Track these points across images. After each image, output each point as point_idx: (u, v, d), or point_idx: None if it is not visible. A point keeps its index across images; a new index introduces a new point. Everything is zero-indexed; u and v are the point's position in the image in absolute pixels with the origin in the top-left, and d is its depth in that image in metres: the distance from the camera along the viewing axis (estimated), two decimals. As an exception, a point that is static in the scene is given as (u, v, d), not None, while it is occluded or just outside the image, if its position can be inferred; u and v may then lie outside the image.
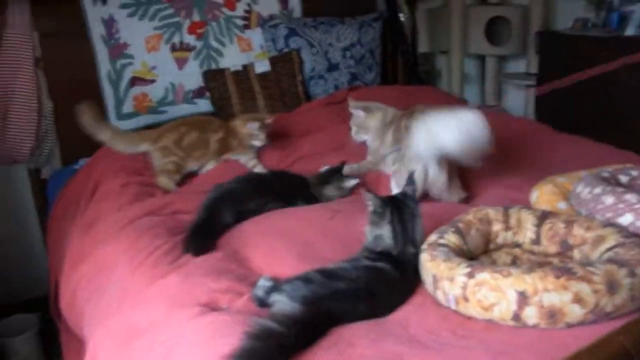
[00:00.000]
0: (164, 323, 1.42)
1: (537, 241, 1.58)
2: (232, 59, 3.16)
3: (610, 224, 1.49)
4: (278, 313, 1.30)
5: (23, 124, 2.72)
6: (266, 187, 2.07)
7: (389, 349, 1.20)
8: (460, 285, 1.31)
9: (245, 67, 3.10)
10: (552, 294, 1.22)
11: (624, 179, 1.76)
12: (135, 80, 2.96)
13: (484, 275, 1.28)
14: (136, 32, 2.94)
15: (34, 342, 2.71)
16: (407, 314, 1.36)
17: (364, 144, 2.44)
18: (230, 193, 1.99)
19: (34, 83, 2.73)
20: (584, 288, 1.22)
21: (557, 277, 1.23)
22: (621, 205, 1.53)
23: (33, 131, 2.73)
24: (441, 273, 1.35)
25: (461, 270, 1.32)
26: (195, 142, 2.46)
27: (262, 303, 1.41)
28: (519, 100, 3.83)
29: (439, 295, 1.37)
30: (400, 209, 1.53)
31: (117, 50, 2.91)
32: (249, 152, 2.52)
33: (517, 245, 1.62)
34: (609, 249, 1.40)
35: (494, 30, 3.75)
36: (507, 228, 1.62)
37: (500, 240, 1.62)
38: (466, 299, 1.30)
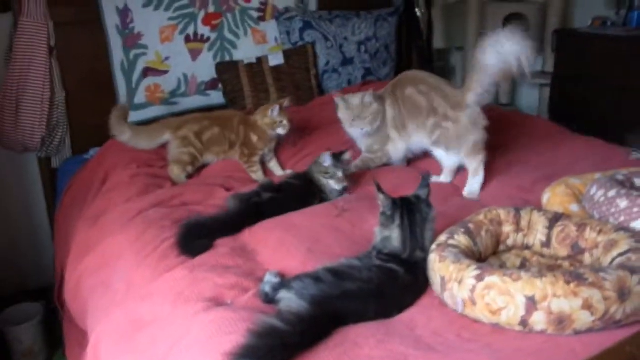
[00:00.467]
0: (168, 318, 1.42)
1: (547, 244, 1.56)
2: (246, 51, 3.15)
3: (623, 228, 1.47)
4: (284, 311, 1.29)
5: (35, 112, 2.72)
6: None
7: (394, 349, 1.19)
8: (469, 288, 1.29)
9: (259, 59, 3.09)
10: (561, 300, 1.20)
11: (638, 182, 1.73)
12: (148, 71, 2.95)
13: (493, 279, 1.26)
14: (151, 22, 2.93)
15: (37, 331, 2.71)
16: (413, 315, 1.35)
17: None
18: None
19: (47, 72, 2.73)
20: (595, 295, 1.20)
21: (568, 283, 1.21)
22: (636, 209, 1.50)
23: (45, 120, 2.74)
24: (450, 275, 1.34)
25: (470, 272, 1.30)
26: (216, 137, 2.46)
27: (269, 299, 1.40)
28: (532, 99, 3.78)
29: (447, 297, 1.36)
30: (411, 212, 1.50)
31: (131, 40, 2.91)
32: (267, 150, 2.48)
33: (527, 247, 1.60)
34: (621, 254, 1.37)
35: (510, 27, 3.70)
36: (518, 230, 1.59)
37: (510, 241, 1.60)
38: (474, 302, 1.28)
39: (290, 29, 3.21)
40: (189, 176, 2.39)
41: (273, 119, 2.42)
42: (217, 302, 1.42)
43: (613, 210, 1.55)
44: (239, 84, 3.02)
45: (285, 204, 1.95)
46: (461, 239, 1.48)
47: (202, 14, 3.04)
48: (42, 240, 3.02)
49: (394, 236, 1.48)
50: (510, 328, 1.25)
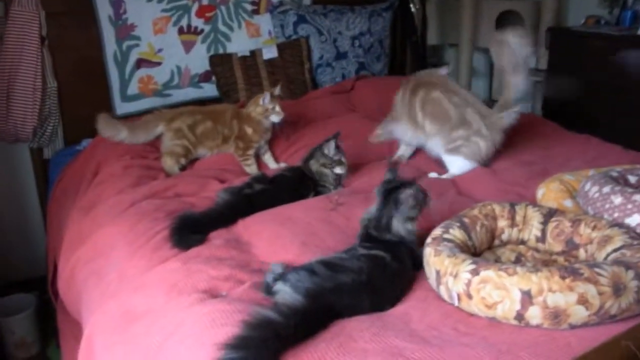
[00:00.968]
0: (162, 309, 1.41)
1: (542, 239, 1.56)
2: (239, 44, 3.14)
3: (617, 224, 1.47)
4: (280, 303, 1.28)
5: (27, 103, 2.70)
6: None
7: (390, 343, 1.18)
8: (464, 282, 1.29)
9: (252, 52, 3.08)
10: (557, 294, 1.20)
11: (632, 179, 1.74)
12: (141, 62, 2.94)
13: (488, 273, 1.26)
14: (144, 13, 2.91)
15: (30, 322, 2.70)
16: (409, 309, 1.35)
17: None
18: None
19: (39, 62, 2.71)
20: (590, 289, 1.20)
21: (563, 278, 1.21)
22: (630, 206, 1.51)
23: (36, 110, 2.72)
24: (445, 269, 1.33)
25: (466, 266, 1.30)
26: (209, 131, 2.44)
27: (269, 290, 1.40)
28: (527, 97, 3.79)
29: (442, 291, 1.36)
30: (388, 194, 1.54)
31: (124, 31, 2.88)
32: (262, 141, 2.47)
33: (522, 242, 1.60)
34: (616, 250, 1.38)
35: (504, 25, 3.71)
36: (513, 225, 1.60)
37: (505, 236, 1.60)
38: (469, 296, 1.28)
39: (284, 22, 3.20)
40: (182, 168, 2.38)
41: (265, 107, 2.41)
42: (211, 294, 1.42)
43: (607, 206, 1.56)
44: (232, 77, 3.01)
45: (277, 196, 1.94)
46: (456, 233, 1.48)
47: (195, 6, 3.03)
48: (34, 231, 3.00)
49: (374, 207, 1.54)
50: (506, 322, 1.25)
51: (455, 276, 1.30)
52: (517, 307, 1.23)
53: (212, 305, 1.32)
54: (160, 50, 2.97)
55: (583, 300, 1.20)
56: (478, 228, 1.54)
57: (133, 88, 2.94)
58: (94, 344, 1.52)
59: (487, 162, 2.25)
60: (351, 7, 3.32)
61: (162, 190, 2.05)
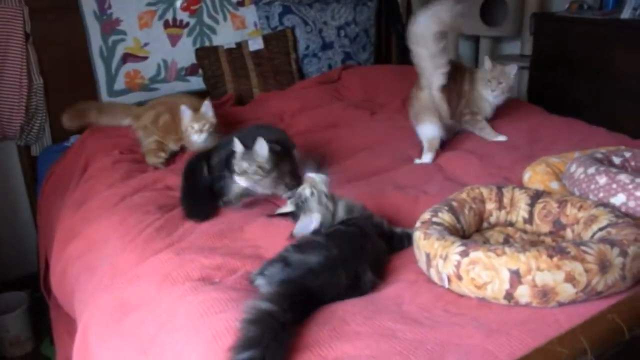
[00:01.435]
0: (156, 300, 1.42)
1: (529, 220, 1.59)
2: (225, 36, 3.14)
3: (602, 204, 1.50)
4: (266, 292, 1.29)
5: (13, 100, 2.69)
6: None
7: (382, 325, 1.20)
8: (454, 264, 1.30)
9: (238, 44, 3.08)
10: (545, 273, 1.22)
11: (616, 160, 1.76)
12: (127, 57, 2.93)
13: (478, 254, 1.28)
14: (129, 8, 2.91)
15: (23, 320, 2.71)
16: (400, 291, 1.36)
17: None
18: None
19: (24, 58, 2.70)
20: (577, 267, 1.23)
21: (551, 257, 1.23)
22: (614, 186, 1.53)
23: (23, 107, 2.71)
24: (435, 251, 1.35)
25: (455, 248, 1.32)
26: (169, 124, 2.38)
27: (252, 283, 1.42)
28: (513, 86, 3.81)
29: (432, 274, 1.37)
30: None
31: (109, 26, 2.88)
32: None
33: (510, 224, 1.62)
34: (601, 229, 1.40)
35: (489, 11, 3.73)
36: (501, 207, 1.62)
37: (493, 219, 1.62)
38: (459, 277, 1.30)
39: (270, 13, 3.20)
40: (168, 162, 2.35)
41: (187, 124, 2.25)
42: (204, 283, 1.43)
43: (593, 186, 1.58)
44: (219, 69, 3.01)
45: None
46: (445, 217, 1.50)
47: (180, -1, 3.03)
48: (24, 229, 3.00)
49: None
50: (496, 302, 1.27)
51: (445, 258, 1.32)
52: (506, 286, 1.25)
53: (205, 294, 1.34)
54: (146, 45, 2.97)
55: (570, 278, 1.22)
56: (466, 211, 1.56)
57: (120, 83, 2.94)
58: (89, 337, 1.53)
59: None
60: (336, -3, 3.33)
61: (151, 183, 2.06)
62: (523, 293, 1.24)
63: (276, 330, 1.14)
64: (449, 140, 2.37)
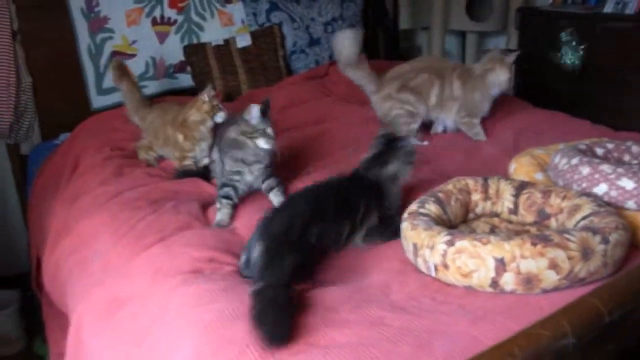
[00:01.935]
0: (148, 294, 1.44)
1: (514, 211, 1.62)
2: (213, 33, 3.15)
3: (585, 194, 1.53)
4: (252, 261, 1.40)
5: (1, 99, 2.68)
6: None
7: (370, 313, 1.23)
8: (441, 253, 1.33)
9: (226, 41, 3.09)
10: (529, 260, 1.26)
11: (599, 151, 1.80)
12: (115, 55, 2.93)
13: (463, 243, 1.31)
14: (116, 5, 2.91)
15: (15, 319, 2.71)
16: (388, 281, 1.39)
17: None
18: None
19: (11, 57, 2.70)
20: (560, 254, 1.26)
21: (534, 245, 1.27)
22: (597, 176, 1.57)
23: (12, 105, 2.70)
24: (422, 241, 1.38)
25: (441, 238, 1.35)
26: (158, 130, 2.33)
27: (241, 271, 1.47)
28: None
29: (420, 263, 1.40)
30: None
31: (97, 24, 2.88)
32: (194, 147, 2.20)
33: (496, 214, 1.66)
34: (584, 218, 1.44)
35: (475, 7, 3.76)
36: (486, 198, 1.65)
37: (479, 209, 1.66)
38: (446, 266, 1.33)
39: (257, 10, 3.21)
40: (159, 160, 2.35)
41: (211, 103, 2.16)
42: (195, 276, 1.45)
43: (576, 177, 1.62)
44: (207, 66, 3.02)
45: None
46: (431, 208, 1.52)
47: (168, -4, 3.03)
48: (14, 228, 2.99)
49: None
50: (482, 290, 1.31)
51: (432, 248, 1.35)
52: (492, 274, 1.28)
53: (196, 286, 1.36)
54: (134, 42, 2.97)
55: (553, 265, 1.26)
56: (453, 202, 1.59)
57: (108, 81, 2.92)
58: (82, 332, 1.54)
59: None
60: (323, -7, 3.34)
61: (143, 178, 2.07)
62: (508, 281, 1.28)
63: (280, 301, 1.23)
64: (436, 135, 2.41)
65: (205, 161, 2.21)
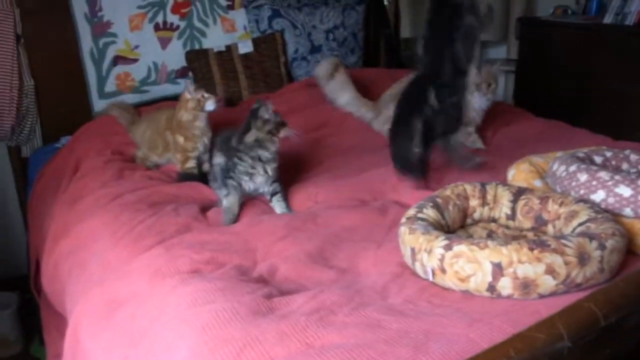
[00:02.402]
0: (146, 294, 1.44)
1: (512, 216, 1.63)
2: (215, 39, 3.16)
3: (583, 200, 1.54)
4: None
5: (4, 101, 2.70)
6: None
7: (368, 316, 1.24)
8: (438, 257, 1.34)
9: (228, 47, 3.10)
10: (526, 265, 1.26)
11: (598, 159, 1.80)
12: (118, 59, 2.95)
13: (461, 248, 1.32)
14: (119, 10, 2.92)
15: (13, 321, 2.70)
16: (386, 284, 1.40)
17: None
18: None
19: (15, 60, 2.71)
20: (557, 260, 1.27)
21: (532, 250, 1.27)
22: (594, 183, 1.57)
23: (14, 108, 2.71)
24: (419, 245, 1.39)
25: (439, 242, 1.35)
26: (152, 139, 2.33)
27: None
28: (498, 86, 3.86)
29: (417, 267, 1.41)
30: None
31: (100, 29, 2.90)
32: (196, 144, 2.20)
33: (493, 220, 1.66)
34: (581, 224, 1.44)
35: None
36: (484, 203, 1.66)
37: (477, 215, 1.66)
38: (443, 271, 1.34)
39: (259, 17, 3.23)
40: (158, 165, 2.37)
41: (195, 97, 2.14)
42: (193, 276, 1.45)
43: (574, 183, 1.62)
44: (209, 72, 3.04)
45: None
46: (430, 213, 1.53)
47: (171, 2, 3.04)
48: (14, 230, 3.00)
49: None
50: (479, 294, 1.31)
51: (430, 252, 1.36)
52: (489, 279, 1.29)
53: (194, 285, 1.36)
54: (136, 47, 2.99)
55: (550, 270, 1.26)
56: (451, 207, 1.60)
57: (110, 85, 2.95)
58: (80, 333, 1.55)
59: None
60: (325, 0, 3.36)
61: (143, 181, 2.09)
62: (505, 285, 1.28)
63: None
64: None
65: (205, 167, 2.21)
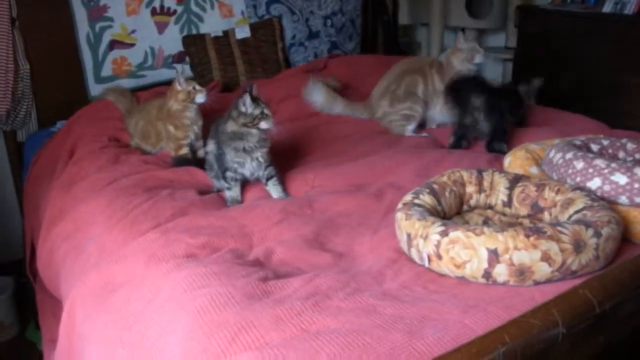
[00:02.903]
0: (141, 278, 1.44)
1: (508, 203, 1.63)
2: (212, 24, 3.14)
3: (579, 188, 1.54)
4: None
5: (-1, 85, 2.69)
6: None
7: (363, 301, 1.24)
8: (434, 243, 1.34)
9: (225, 32, 3.09)
10: (522, 252, 1.27)
11: (594, 147, 1.80)
12: (114, 44, 2.93)
13: (457, 234, 1.32)
14: (116, -6, 2.90)
15: (8, 305, 2.71)
16: (381, 270, 1.40)
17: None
18: None
19: (10, 43, 2.69)
20: (553, 247, 1.27)
21: (528, 236, 1.27)
22: (591, 170, 1.58)
23: (9, 92, 2.69)
24: (415, 231, 1.39)
25: (435, 228, 1.35)
26: (145, 129, 2.34)
27: None
28: (497, 74, 3.86)
29: (413, 253, 1.41)
30: None
31: (96, 13, 2.88)
32: (187, 133, 2.22)
33: (490, 207, 1.66)
34: (577, 211, 1.45)
35: (474, 4, 3.76)
36: (481, 190, 1.66)
37: (473, 202, 1.66)
38: (439, 257, 1.34)
39: (257, 2, 3.21)
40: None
41: (185, 89, 2.17)
42: (188, 260, 1.45)
43: (570, 171, 1.62)
44: (206, 57, 3.02)
45: None
46: (426, 199, 1.53)
47: (168, -13, 3.03)
48: (9, 214, 2.99)
49: None
50: (474, 280, 1.31)
51: (426, 238, 1.36)
52: (485, 265, 1.29)
53: (189, 270, 1.36)
54: (133, 32, 2.97)
55: (546, 257, 1.27)
56: (447, 194, 1.60)
57: (107, 69, 2.93)
58: (75, 316, 1.55)
59: None
60: (323, -14, 3.35)
61: (139, 166, 2.08)
62: (501, 272, 1.28)
63: None
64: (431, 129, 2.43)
65: (201, 153, 2.21)
